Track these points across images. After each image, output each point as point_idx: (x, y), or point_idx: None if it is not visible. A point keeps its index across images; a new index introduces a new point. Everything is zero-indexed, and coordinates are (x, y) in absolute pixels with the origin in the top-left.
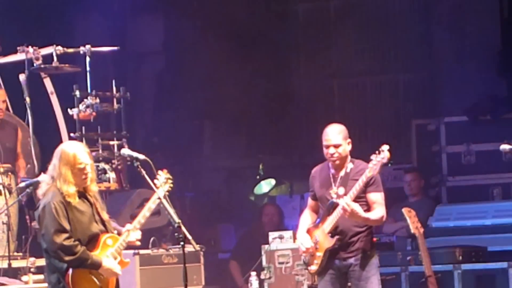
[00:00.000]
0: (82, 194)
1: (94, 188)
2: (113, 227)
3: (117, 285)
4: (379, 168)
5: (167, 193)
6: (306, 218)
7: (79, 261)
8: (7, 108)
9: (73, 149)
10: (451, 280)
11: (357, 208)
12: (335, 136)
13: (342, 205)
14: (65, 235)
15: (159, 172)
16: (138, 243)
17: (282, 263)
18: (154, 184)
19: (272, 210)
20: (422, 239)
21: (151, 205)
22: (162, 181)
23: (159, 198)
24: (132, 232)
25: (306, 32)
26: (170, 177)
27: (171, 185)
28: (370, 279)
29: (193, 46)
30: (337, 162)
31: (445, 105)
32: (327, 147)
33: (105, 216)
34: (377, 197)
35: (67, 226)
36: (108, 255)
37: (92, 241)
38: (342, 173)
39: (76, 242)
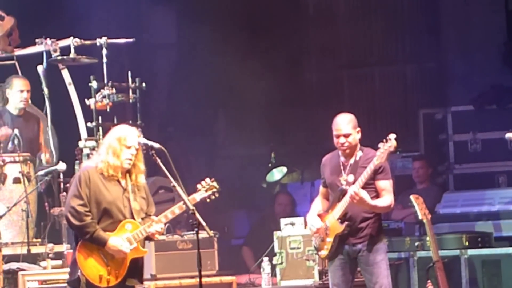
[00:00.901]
0: (118, 180)
1: (141, 180)
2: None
3: (138, 269)
4: (386, 156)
5: (208, 199)
6: (317, 204)
7: (84, 229)
8: None
9: (127, 129)
10: (458, 265)
11: (365, 195)
12: (345, 125)
13: (351, 193)
14: (80, 202)
15: (206, 179)
16: (158, 236)
17: (294, 248)
18: (196, 188)
19: (285, 200)
20: (429, 225)
21: (182, 204)
22: (204, 187)
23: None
24: (155, 223)
25: (316, 25)
26: (217, 186)
27: (216, 195)
28: (378, 264)
29: (206, 37)
30: (347, 151)
31: (452, 95)
32: (338, 136)
33: (135, 206)
34: (385, 185)
35: (85, 195)
36: (123, 238)
37: (112, 223)
38: (351, 161)
39: (89, 213)
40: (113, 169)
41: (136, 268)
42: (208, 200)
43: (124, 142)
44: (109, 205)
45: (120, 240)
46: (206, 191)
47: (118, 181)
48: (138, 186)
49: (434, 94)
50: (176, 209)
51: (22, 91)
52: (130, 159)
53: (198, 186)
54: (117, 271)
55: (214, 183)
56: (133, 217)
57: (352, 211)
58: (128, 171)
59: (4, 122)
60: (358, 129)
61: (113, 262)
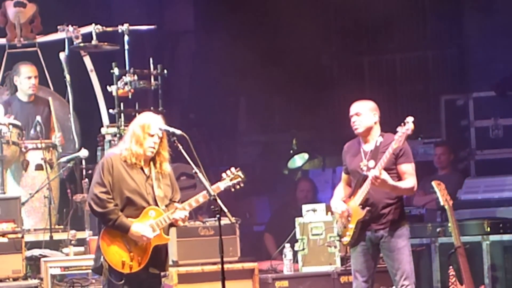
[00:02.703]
0: (141, 167)
1: (165, 167)
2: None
3: (162, 256)
4: (404, 139)
5: (233, 189)
6: (340, 191)
7: (107, 216)
8: (47, 85)
9: (151, 117)
10: (479, 251)
11: (386, 176)
12: (358, 106)
13: (372, 176)
14: (103, 189)
15: (232, 168)
16: (181, 223)
17: (316, 235)
18: (221, 177)
19: (307, 186)
20: (451, 211)
21: (206, 193)
22: (229, 176)
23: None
24: (179, 210)
25: (336, 11)
26: (242, 176)
27: (241, 185)
28: (401, 250)
29: (224, 24)
30: (359, 130)
31: (473, 81)
32: (351, 117)
33: (159, 193)
34: (407, 168)
35: (107, 183)
36: (146, 224)
37: (135, 210)
38: (372, 146)
39: (111, 200)
40: (135, 157)
41: (159, 255)
42: (232, 189)
43: (147, 130)
44: (132, 193)
45: (143, 226)
46: (231, 180)
47: (142, 168)
48: (163, 173)
49: (456, 80)
50: (201, 198)
51: (30, 77)
52: (153, 147)
53: (223, 175)
54: (140, 257)
55: (239, 173)
56: (156, 204)
57: (374, 197)
58: (153, 159)
59: (12, 110)
60: (375, 112)
61: (136, 249)
